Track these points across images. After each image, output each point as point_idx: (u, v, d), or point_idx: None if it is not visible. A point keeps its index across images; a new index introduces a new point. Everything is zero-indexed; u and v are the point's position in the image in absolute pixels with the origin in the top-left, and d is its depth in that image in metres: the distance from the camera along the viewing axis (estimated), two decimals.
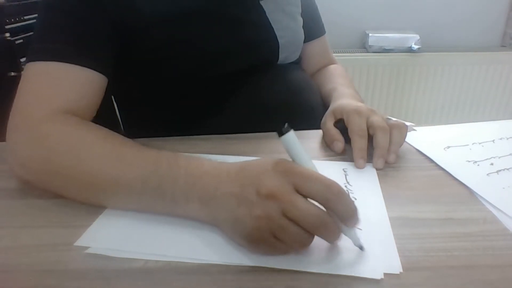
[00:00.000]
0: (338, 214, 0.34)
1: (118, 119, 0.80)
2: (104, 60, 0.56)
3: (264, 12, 0.67)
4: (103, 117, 0.57)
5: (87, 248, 0.37)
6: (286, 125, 0.36)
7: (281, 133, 0.36)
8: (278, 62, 0.70)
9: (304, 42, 0.78)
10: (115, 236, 0.39)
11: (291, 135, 0.36)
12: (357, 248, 0.36)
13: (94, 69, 0.54)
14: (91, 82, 0.54)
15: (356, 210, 0.35)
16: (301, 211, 0.33)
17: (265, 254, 0.36)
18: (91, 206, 0.43)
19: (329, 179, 0.35)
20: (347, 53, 1.72)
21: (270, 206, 0.34)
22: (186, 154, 0.43)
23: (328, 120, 0.59)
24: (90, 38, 0.55)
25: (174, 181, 0.40)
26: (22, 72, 0.53)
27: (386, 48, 1.72)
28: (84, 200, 0.45)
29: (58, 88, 0.51)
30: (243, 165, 0.39)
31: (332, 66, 0.85)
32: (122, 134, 0.48)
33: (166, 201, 0.40)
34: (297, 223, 0.34)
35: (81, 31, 0.54)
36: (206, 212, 0.39)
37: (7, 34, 1.18)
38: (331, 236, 0.35)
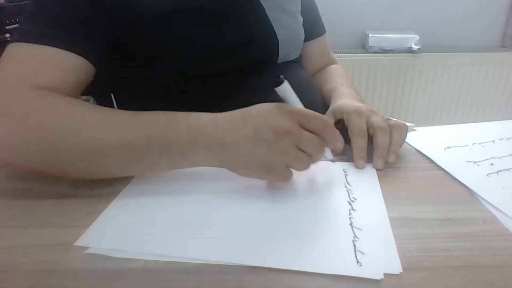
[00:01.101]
0: (328, 140, 0.45)
1: None
2: (94, 49, 0.55)
3: (264, 10, 0.67)
4: None
5: (87, 248, 0.37)
6: (281, 76, 0.44)
7: (277, 84, 0.44)
8: (278, 60, 0.70)
9: (304, 41, 0.78)
10: (114, 236, 0.39)
11: (286, 84, 0.44)
12: (357, 249, 0.37)
13: (80, 55, 0.52)
14: (75, 68, 0.52)
15: (340, 137, 0.48)
16: (309, 141, 0.43)
17: (275, 180, 0.47)
18: (90, 207, 0.43)
19: (323, 116, 0.45)
20: (347, 53, 1.72)
21: (287, 142, 0.42)
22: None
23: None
24: (83, 26, 0.53)
25: (177, 133, 0.44)
26: (5, 51, 0.50)
27: (386, 48, 1.72)
28: (79, 173, 0.45)
29: (41, 69, 0.50)
30: (244, 113, 0.45)
31: (333, 66, 0.85)
32: None
33: (173, 153, 0.44)
34: (305, 150, 0.43)
35: (75, 19, 0.53)
36: (215, 158, 0.44)
37: (7, 35, 1.18)
38: (321, 155, 0.46)
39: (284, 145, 0.42)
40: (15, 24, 1.22)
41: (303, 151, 0.43)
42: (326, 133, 0.45)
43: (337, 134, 0.57)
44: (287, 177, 0.45)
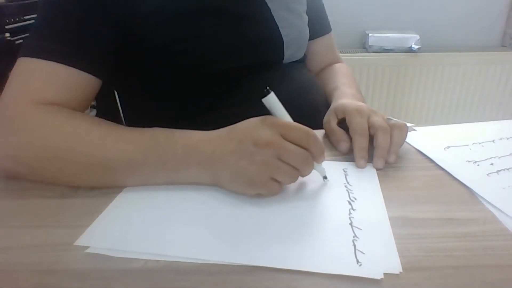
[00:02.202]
0: (313, 153, 0.44)
1: (120, 115, 0.80)
2: (99, 64, 0.56)
3: (269, 9, 0.67)
4: (104, 114, 0.57)
5: (87, 248, 0.37)
6: (267, 88, 0.44)
7: (263, 95, 0.44)
8: (284, 60, 0.70)
9: (310, 39, 0.78)
10: (115, 236, 0.39)
11: (272, 96, 0.44)
12: (357, 249, 0.36)
13: (88, 72, 0.54)
14: (83, 84, 0.54)
15: (324, 150, 0.45)
16: (292, 153, 0.42)
17: (261, 195, 0.44)
18: (90, 207, 0.44)
19: (308, 128, 0.44)
20: (347, 53, 1.72)
21: (267, 153, 0.42)
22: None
23: (332, 120, 0.59)
24: (87, 40, 0.55)
25: (173, 151, 0.45)
26: (15, 65, 0.52)
27: (386, 48, 1.72)
28: (82, 182, 0.47)
29: (50, 86, 0.52)
30: (231, 127, 0.46)
31: (337, 65, 0.85)
32: None
33: (168, 169, 0.46)
34: (289, 163, 0.42)
35: (79, 33, 0.54)
36: (206, 174, 0.45)
37: (7, 34, 1.18)
38: (309, 170, 0.45)
39: (264, 156, 0.42)
40: (15, 23, 1.22)
41: (288, 164, 0.43)
42: (310, 145, 0.44)
43: (342, 134, 0.57)
44: (274, 189, 0.44)
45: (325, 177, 0.48)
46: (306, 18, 0.76)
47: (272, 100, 0.44)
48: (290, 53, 0.70)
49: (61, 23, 0.54)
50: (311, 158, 0.44)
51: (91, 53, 0.55)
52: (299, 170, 0.44)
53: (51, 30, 0.54)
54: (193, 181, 0.46)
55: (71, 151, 0.46)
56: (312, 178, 0.49)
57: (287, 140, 0.43)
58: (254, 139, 0.42)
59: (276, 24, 0.67)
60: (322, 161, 0.46)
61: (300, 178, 0.45)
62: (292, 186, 0.47)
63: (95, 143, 0.46)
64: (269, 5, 0.67)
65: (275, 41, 0.68)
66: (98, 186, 0.47)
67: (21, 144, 0.47)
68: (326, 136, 0.60)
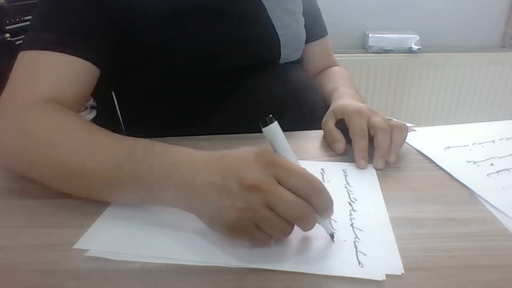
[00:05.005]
0: (317, 207, 0.35)
1: (118, 116, 0.80)
2: (97, 52, 0.56)
3: (265, 9, 0.67)
4: (103, 114, 0.57)
5: (86, 250, 0.37)
6: (270, 116, 0.36)
7: (265, 124, 0.36)
8: (280, 61, 0.70)
9: (306, 42, 0.78)
10: (113, 239, 0.39)
11: (275, 126, 0.36)
12: (358, 250, 0.36)
13: (85, 59, 0.54)
14: (80, 72, 0.54)
15: (332, 204, 0.36)
16: (284, 202, 0.34)
17: (245, 243, 0.37)
18: (90, 207, 0.43)
19: (311, 174, 0.35)
20: (347, 53, 1.72)
21: (253, 198, 0.34)
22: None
23: (329, 120, 0.59)
24: (84, 30, 0.55)
25: (149, 168, 0.39)
26: (16, 60, 0.52)
27: (386, 48, 1.72)
28: (61, 190, 0.45)
29: (45, 76, 0.51)
30: (223, 154, 0.38)
31: (335, 68, 0.85)
32: (123, 132, 0.48)
33: (141, 187, 0.40)
34: (279, 214, 0.34)
35: (76, 22, 0.54)
36: (183, 200, 0.38)
37: (7, 35, 1.18)
38: (310, 226, 0.35)
39: (248, 202, 0.34)
40: (15, 24, 1.22)
41: (279, 215, 0.34)
42: (312, 196, 0.34)
43: (337, 134, 0.57)
44: (261, 240, 0.36)
45: (332, 235, 0.38)
46: (302, 20, 0.76)
47: (275, 131, 0.36)
48: (287, 54, 0.70)
49: (59, 15, 0.54)
50: (313, 211, 0.35)
51: (90, 41, 0.55)
52: (294, 223, 0.35)
53: (49, 22, 0.54)
54: (169, 205, 0.40)
55: (48, 158, 0.44)
56: (319, 234, 0.39)
57: (283, 185, 0.34)
58: (240, 179, 0.34)
59: (273, 24, 0.68)
60: (328, 216, 0.37)
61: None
62: None
63: (71, 153, 0.43)
64: (265, 5, 0.67)
65: (271, 41, 0.68)
66: (78, 195, 0.44)
67: (8, 143, 0.47)
68: (325, 137, 0.60)
